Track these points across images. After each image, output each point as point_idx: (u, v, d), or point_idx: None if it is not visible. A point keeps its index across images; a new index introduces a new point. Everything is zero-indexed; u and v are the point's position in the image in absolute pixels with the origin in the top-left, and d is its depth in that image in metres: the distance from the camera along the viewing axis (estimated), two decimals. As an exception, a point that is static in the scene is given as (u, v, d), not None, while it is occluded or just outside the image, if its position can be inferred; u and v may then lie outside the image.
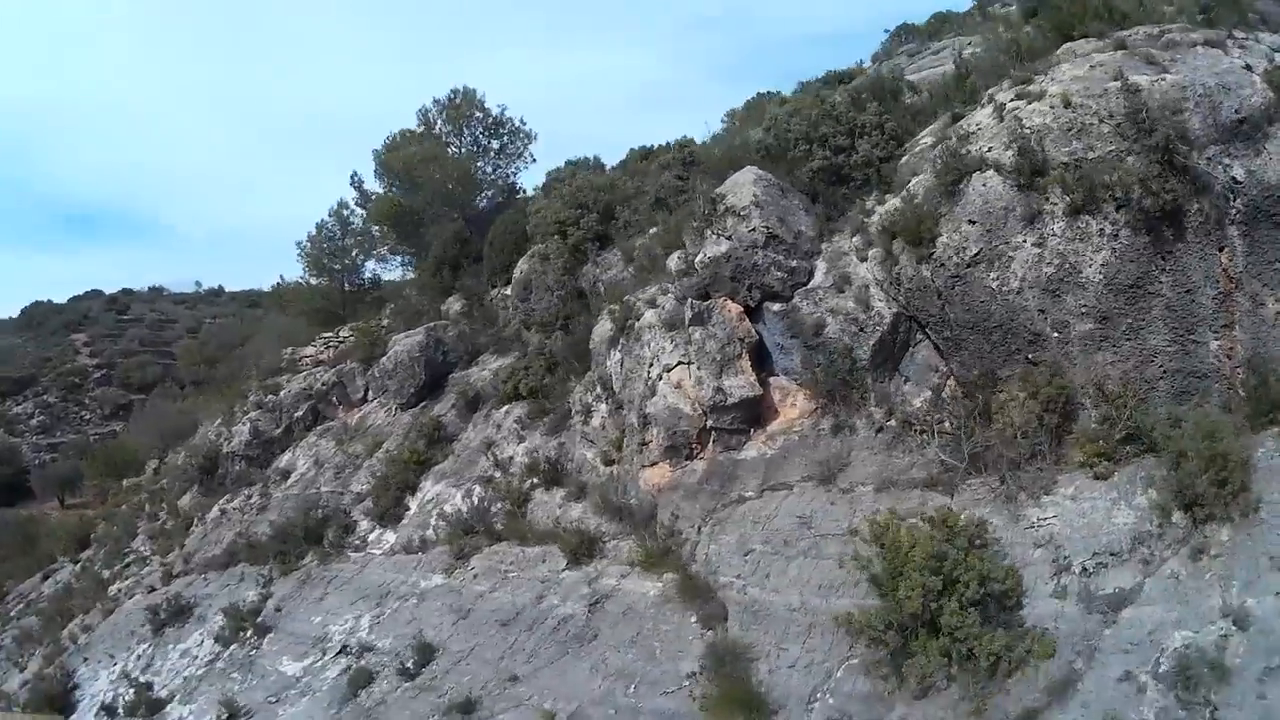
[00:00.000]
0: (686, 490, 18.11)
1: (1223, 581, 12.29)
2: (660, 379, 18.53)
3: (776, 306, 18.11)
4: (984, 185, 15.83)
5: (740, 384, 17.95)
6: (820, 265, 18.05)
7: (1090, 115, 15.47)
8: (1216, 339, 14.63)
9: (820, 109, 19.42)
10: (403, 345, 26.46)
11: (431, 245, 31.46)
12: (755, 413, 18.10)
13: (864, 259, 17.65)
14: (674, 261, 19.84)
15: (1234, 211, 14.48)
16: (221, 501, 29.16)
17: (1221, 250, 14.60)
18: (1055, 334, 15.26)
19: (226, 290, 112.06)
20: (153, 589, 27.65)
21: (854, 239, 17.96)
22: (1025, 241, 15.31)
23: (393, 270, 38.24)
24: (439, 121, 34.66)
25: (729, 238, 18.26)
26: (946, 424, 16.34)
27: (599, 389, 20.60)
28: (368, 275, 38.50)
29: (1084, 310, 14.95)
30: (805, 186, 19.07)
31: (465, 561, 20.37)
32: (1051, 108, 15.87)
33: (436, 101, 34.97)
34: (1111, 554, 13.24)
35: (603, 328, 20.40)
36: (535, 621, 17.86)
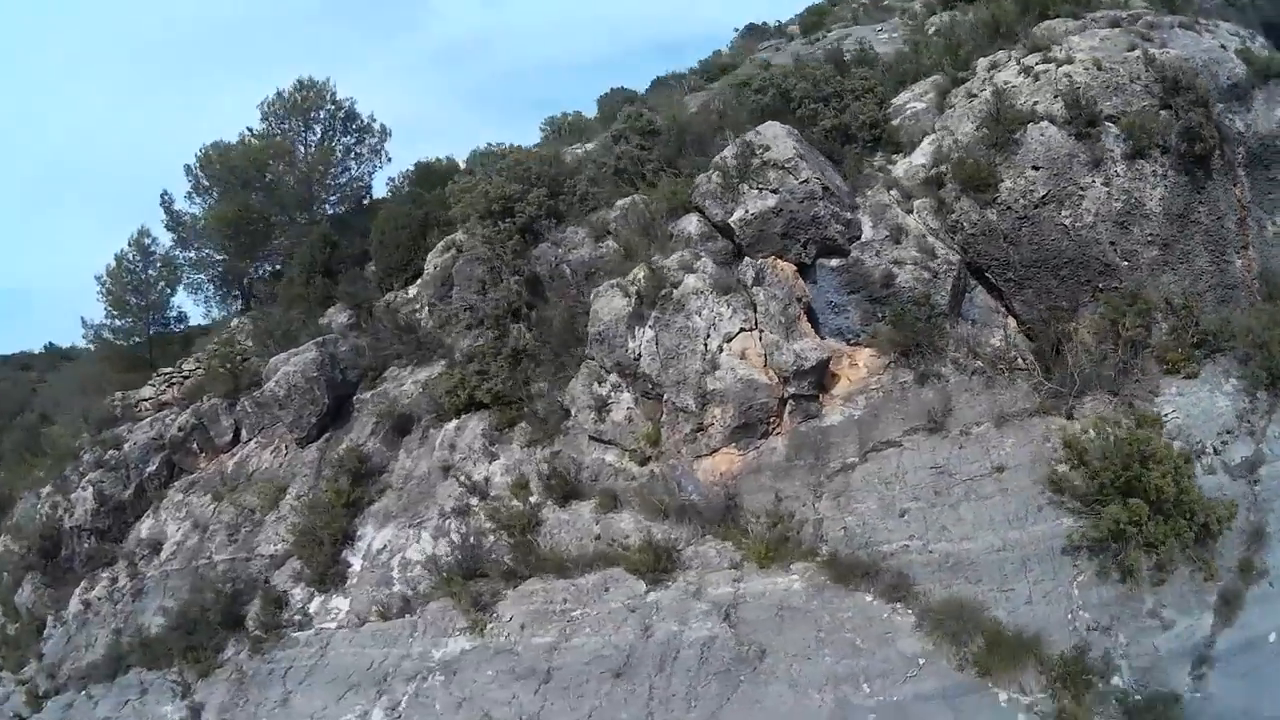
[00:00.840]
0: (775, 470, 15.91)
1: None
2: (721, 350, 16.17)
3: (834, 262, 16.79)
4: (1042, 134, 16.56)
5: (811, 346, 16.29)
6: (865, 220, 16.99)
7: (1121, 77, 16.77)
8: (1239, 257, 16.50)
9: (818, 71, 18.48)
10: (293, 366, 20.44)
11: (294, 255, 25.14)
12: (822, 378, 16.44)
13: (909, 211, 17.06)
14: (693, 225, 17.62)
15: (1240, 155, 16.41)
16: (79, 591, 21.09)
17: (1235, 186, 16.47)
18: (1125, 262, 16.28)
19: None
20: (20, 718, 19.71)
21: (891, 193, 17.20)
22: (1095, 182, 16.25)
23: (202, 301, 30.59)
24: (284, 117, 28.09)
25: (775, 191, 16.59)
26: (1019, 360, 16.43)
27: (614, 377, 17.38)
28: (173, 312, 30.17)
29: (1150, 239, 16.23)
30: (819, 146, 17.83)
31: (489, 612, 15.99)
32: (1086, 69, 16.91)
33: (280, 95, 28.55)
34: (1228, 432, 14.80)
35: (612, 304, 17.23)
36: (664, 659, 14.23)
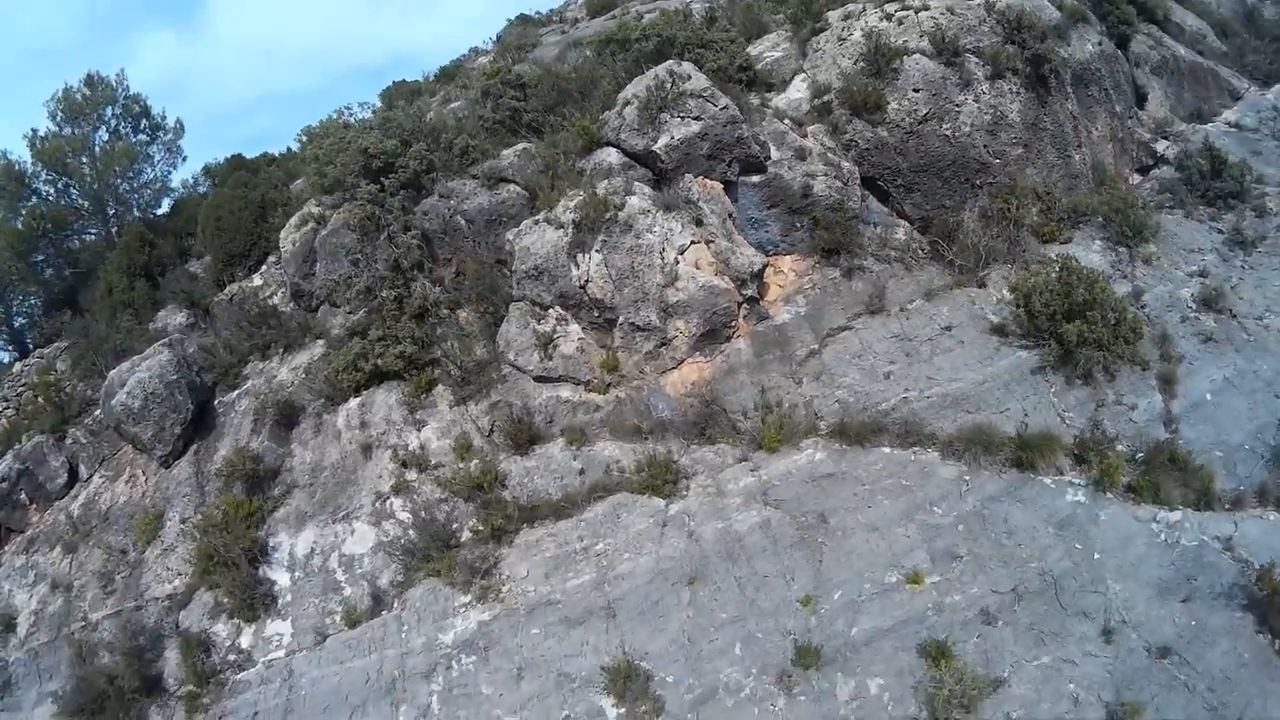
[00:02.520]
0: (748, 368, 14.70)
1: (1173, 266, 17.11)
2: (677, 262, 14.59)
3: (755, 179, 15.93)
4: (918, 64, 17.38)
5: (753, 254, 15.29)
6: (769, 143, 16.33)
7: (971, 20, 17.89)
8: (1077, 154, 18.02)
9: (687, 24, 17.80)
10: (144, 372, 15.20)
11: (110, 261, 18.72)
12: (760, 284, 15.49)
13: (804, 135, 16.78)
14: (612, 156, 15.82)
15: (1068, 77, 18.02)
16: None
17: (1067, 100, 18.04)
18: (997, 160, 17.25)
19: None
20: None
21: (784, 121, 16.83)
22: (967, 99, 17.22)
23: None
24: (76, 117, 21.11)
25: (697, 118, 15.47)
26: (920, 250, 16.70)
27: (557, 311, 14.95)
28: None
29: (1014, 141, 17.32)
30: None
31: (493, 575, 13.08)
32: (943, 14, 17.95)
33: (68, 90, 22.15)
34: (1108, 276, 16.32)
35: (545, 238, 14.90)
36: (731, 553, 12.82)
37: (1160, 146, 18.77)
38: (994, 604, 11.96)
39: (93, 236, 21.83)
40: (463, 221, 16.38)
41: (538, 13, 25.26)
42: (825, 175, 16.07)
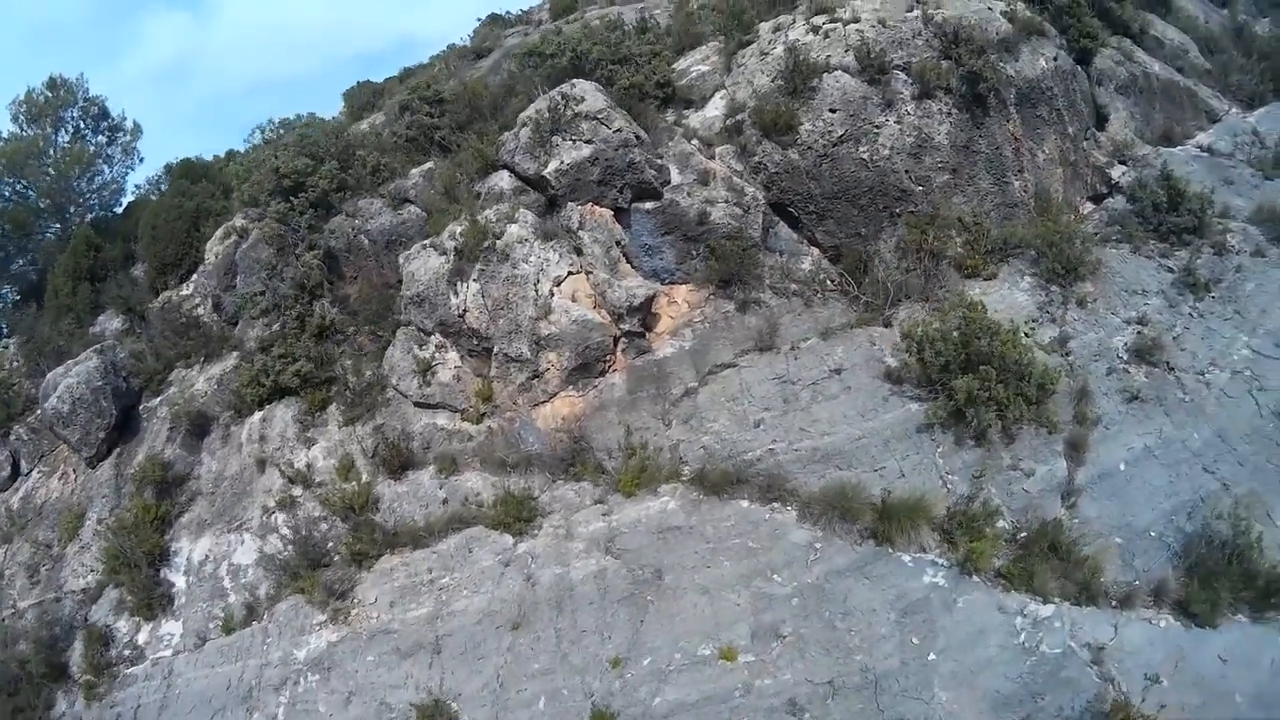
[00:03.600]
0: (619, 406, 13.58)
1: (1110, 309, 14.79)
2: (553, 295, 13.68)
3: (649, 205, 14.58)
4: (837, 82, 15.46)
5: (637, 284, 14.07)
6: (671, 166, 14.94)
7: (904, 33, 15.98)
8: (1017, 180, 15.89)
9: (611, 35, 16.53)
10: (74, 378, 15.49)
11: (57, 264, 19.30)
12: (647, 315, 14.31)
13: (711, 157, 15.27)
14: (504, 181, 14.84)
15: (1012, 95, 15.87)
16: None
17: (1009, 122, 15.86)
18: (919, 187, 15.26)
19: None
20: None
21: (692, 142, 15.35)
22: (889, 120, 15.29)
23: None
24: (38, 118, 22.25)
25: (589, 141, 14.27)
26: (828, 282, 15.19)
27: (437, 338, 14.29)
28: None
29: (940, 166, 15.36)
30: (619, 103, 15.38)
31: (348, 599, 12.70)
32: (873, 26, 16.01)
33: (30, 92, 22.74)
34: (1033, 319, 14.50)
35: (429, 264, 14.20)
36: (560, 602, 11.89)
37: (1116, 173, 16.34)
38: (805, 695, 10.63)
39: (55, 236, 21.98)
40: (366, 241, 15.70)
41: (508, 13, 24.26)
42: (725, 202, 14.61)
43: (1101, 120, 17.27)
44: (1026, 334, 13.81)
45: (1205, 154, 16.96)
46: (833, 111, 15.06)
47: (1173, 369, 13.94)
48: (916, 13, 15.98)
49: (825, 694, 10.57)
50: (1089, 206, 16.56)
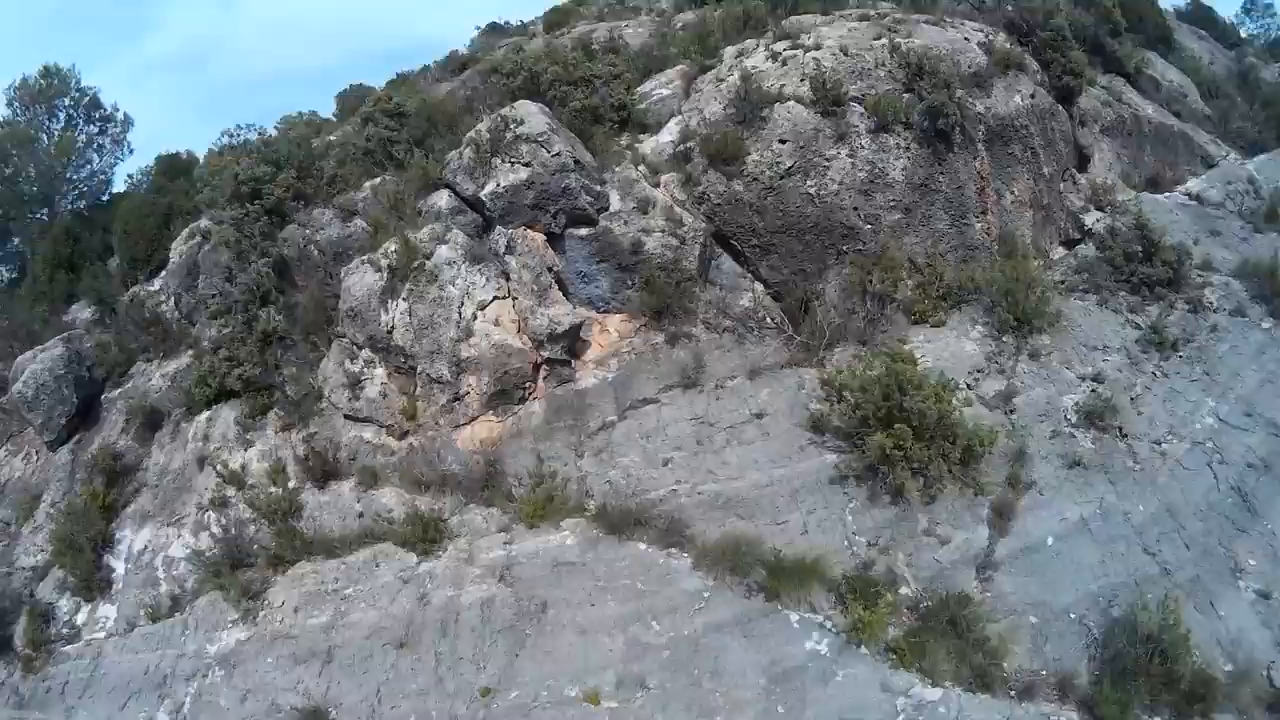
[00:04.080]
0: (535, 434, 13.24)
1: (1066, 365, 13.82)
2: (475, 318, 13.38)
3: (583, 231, 14.07)
4: (789, 112, 14.63)
5: (564, 311, 13.60)
6: (613, 193, 14.38)
7: (867, 62, 15.14)
8: (979, 221, 14.94)
9: (569, 56, 16.14)
10: (40, 364, 16.11)
11: (36, 250, 20.39)
12: (573, 343, 13.92)
13: (656, 185, 14.66)
14: (444, 200, 14.55)
15: (981, 132, 14.95)
16: None
17: (975, 159, 14.92)
18: (868, 225, 14.36)
19: None
20: None
21: (640, 168, 14.75)
22: (840, 153, 14.42)
23: None
24: (31, 106, 22.99)
25: (527, 164, 13.79)
26: (768, 320, 14.58)
27: (367, 353, 14.13)
28: None
29: (892, 204, 14.47)
30: (570, 125, 15.10)
31: (260, 600, 12.87)
32: (834, 55, 15.18)
33: (25, 80, 23.41)
34: (978, 370, 13.62)
35: (364, 280, 14.06)
36: (445, 624, 11.71)
37: (1090, 219, 15.35)
38: None
39: (44, 220, 22.55)
40: (315, 252, 15.56)
41: (507, 22, 23.95)
42: (661, 231, 14.01)
43: (1084, 162, 16.10)
44: (969, 386, 13.07)
45: (1193, 202, 15.68)
46: (782, 143, 14.28)
47: (1125, 435, 12.86)
48: (883, 41, 15.08)
49: None
50: (1060, 252, 15.49)
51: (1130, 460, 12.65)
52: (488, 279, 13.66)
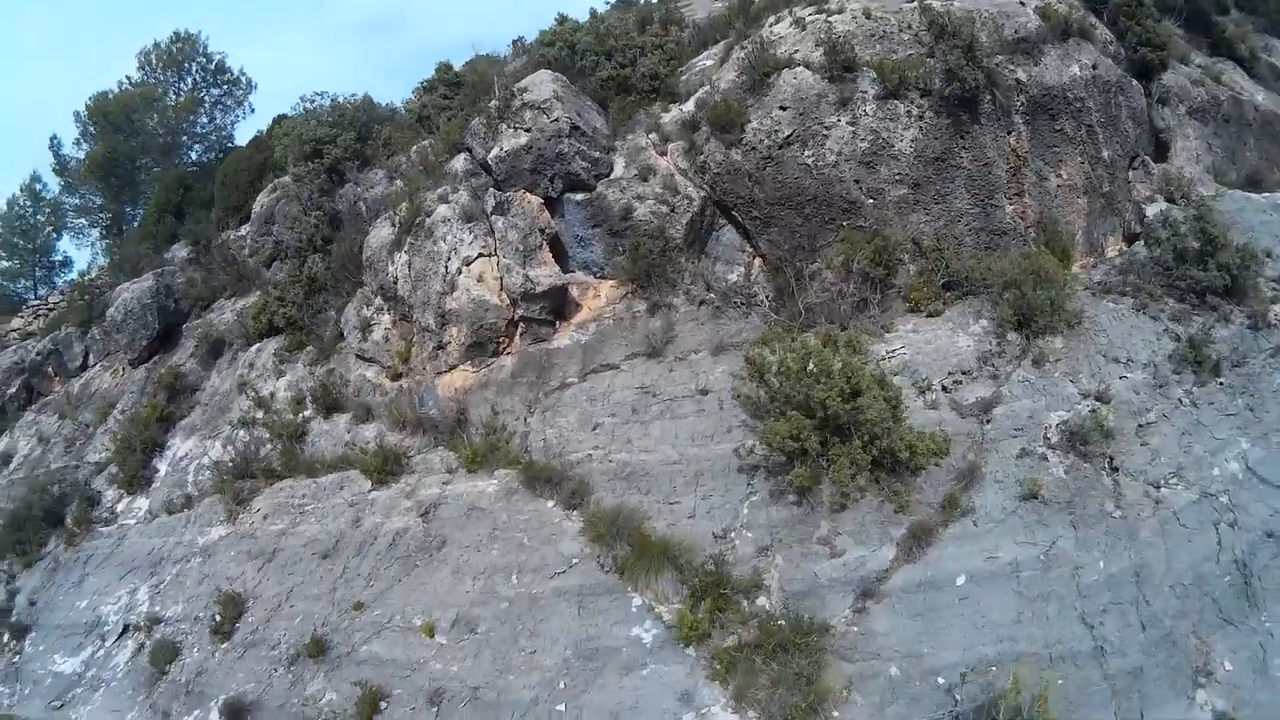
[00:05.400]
0: (499, 386, 13.60)
1: (1071, 377, 11.63)
2: (460, 273, 13.78)
3: (579, 196, 14.22)
4: (795, 78, 13.75)
5: (547, 273, 13.81)
6: (619, 160, 14.43)
7: (890, 25, 13.99)
8: (1011, 204, 13.32)
9: (604, 26, 16.39)
10: (131, 293, 18.78)
11: (151, 196, 23.64)
12: (559, 304, 14.05)
13: (663, 153, 14.41)
14: (459, 163, 15.25)
15: (1019, 104, 13.34)
16: None
17: (1009, 134, 13.34)
18: (870, 200, 13.21)
19: None
20: None
21: (650, 136, 14.57)
22: (840, 121, 13.35)
23: (85, 246, 29.02)
24: (159, 67, 26.25)
25: (528, 130, 14.10)
26: (761, 296, 13.89)
27: (379, 301, 15.15)
28: (59, 256, 28.81)
29: (898, 178, 13.19)
30: (594, 95, 15.39)
31: (246, 506, 14.30)
32: (854, 18, 14.18)
33: (157, 45, 26.64)
34: (964, 372, 11.89)
35: (380, 234, 15.11)
36: (363, 545, 12.54)
37: (1152, 210, 13.14)
38: (451, 690, 10.30)
39: (168, 171, 25.15)
40: (363, 208, 16.80)
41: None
42: (654, 199, 13.81)
43: (1163, 150, 13.82)
44: (945, 388, 11.59)
45: (1294, 204, 12.96)
46: (782, 109, 13.51)
47: (1115, 468, 10.48)
48: (915, 3, 13.77)
49: (466, 697, 10.21)
50: (1120, 248, 13.42)
51: (1110, 502, 10.26)
52: (475, 237, 14.04)
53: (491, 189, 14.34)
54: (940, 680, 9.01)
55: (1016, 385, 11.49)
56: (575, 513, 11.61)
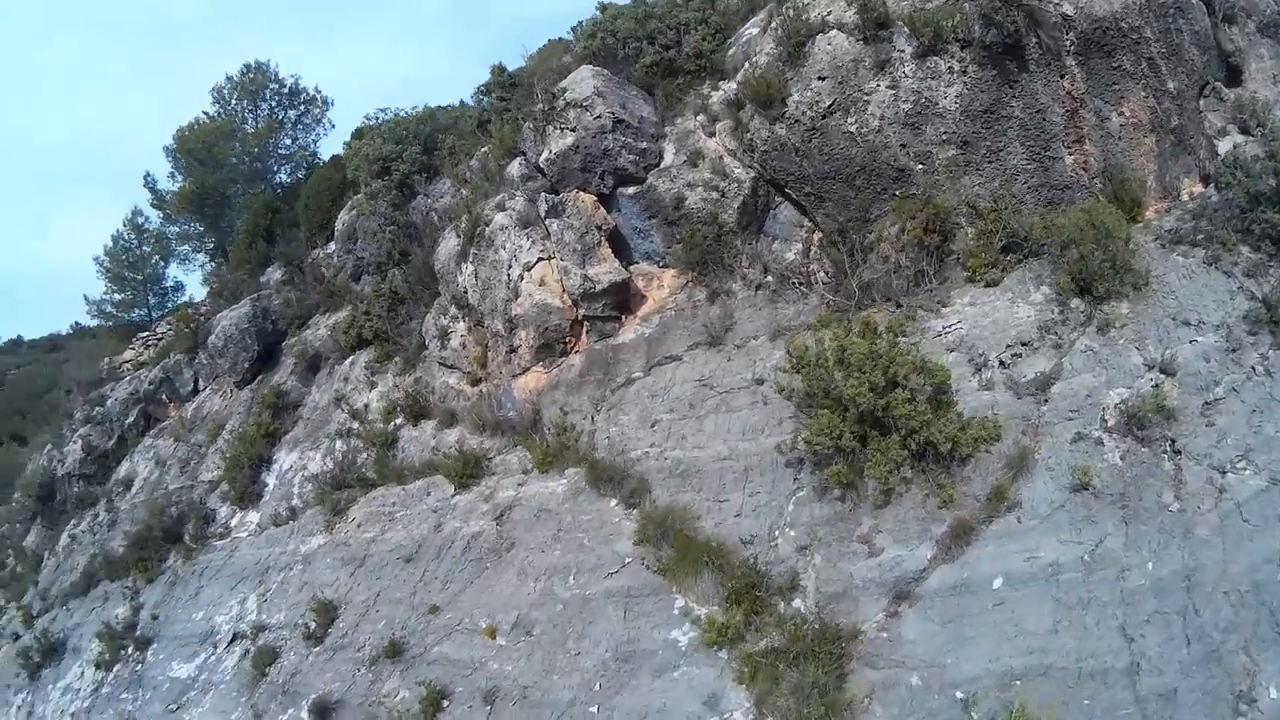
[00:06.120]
0: (568, 386, 14.15)
1: (1137, 344, 10.53)
2: (522, 279, 14.37)
3: (631, 190, 14.49)
4: (829, 44, 13.22)
5: (606, 270, 14.16)
6: (669, 147, 14.62)
7: None
8: (1071, 154, 12.56)
9: (643, 9, 16.31)
10: (229, 320, 20.40)
11: (240, 222, 25.26)
12: (624, 299, 14.41)
13: (712, 135, 14.44)
14: (516, 168, 15.73)
15: (1069, 43, 12.42)
16: (69, 528, 21.88)
17: (1063, 77, 12.49)
18: (920, 165, 12.79)
19: (25, 339, 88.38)
20: (17, 636, 20.57)
21: (698, 118, 14.65)
22: (879, 85, 12.83)
23: (194, 270, 30.90)
24: (233, 98, 27.93)
25: (573, 129, 14.43)
26: (821, 273, 13.76)
27: (453, 309, 16.00)
28: (169, 283, 30.73)
29: (945, 138, 12.63)
30: (640, 82, 15.50)
31: (344, 515, 15.49)
32: None
33: (229, 79, 28.24)
34: (1023, 344, 11.06)
35: (448, 245, 15.86)
36: (442, 549, 13.47)
37: (1224, 145, 12.20)
38: (504, 690, 10.97)
39: (256, 195, 26.42)
40: (435, 219, 17.39)
41: None
42: (704, 185, 13.90)
43: (1235, 74, 12.85)
44: (1003, 363, 10.84)
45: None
46: (821, 79, 13.14)
47: (1178, 452, 9.26)
48: (949, -51, 13.06)
49: (516, 696, 10.89)
50: (1197, 190, 12.60)
51: (1168, 492, 9.09)
52: (533, 242, 14.52)
53: (544, 193, 14.67)
54: (959, 694, 8.56)
55: (1078, 357, 10.53)
56: (635, 511, 12.01)
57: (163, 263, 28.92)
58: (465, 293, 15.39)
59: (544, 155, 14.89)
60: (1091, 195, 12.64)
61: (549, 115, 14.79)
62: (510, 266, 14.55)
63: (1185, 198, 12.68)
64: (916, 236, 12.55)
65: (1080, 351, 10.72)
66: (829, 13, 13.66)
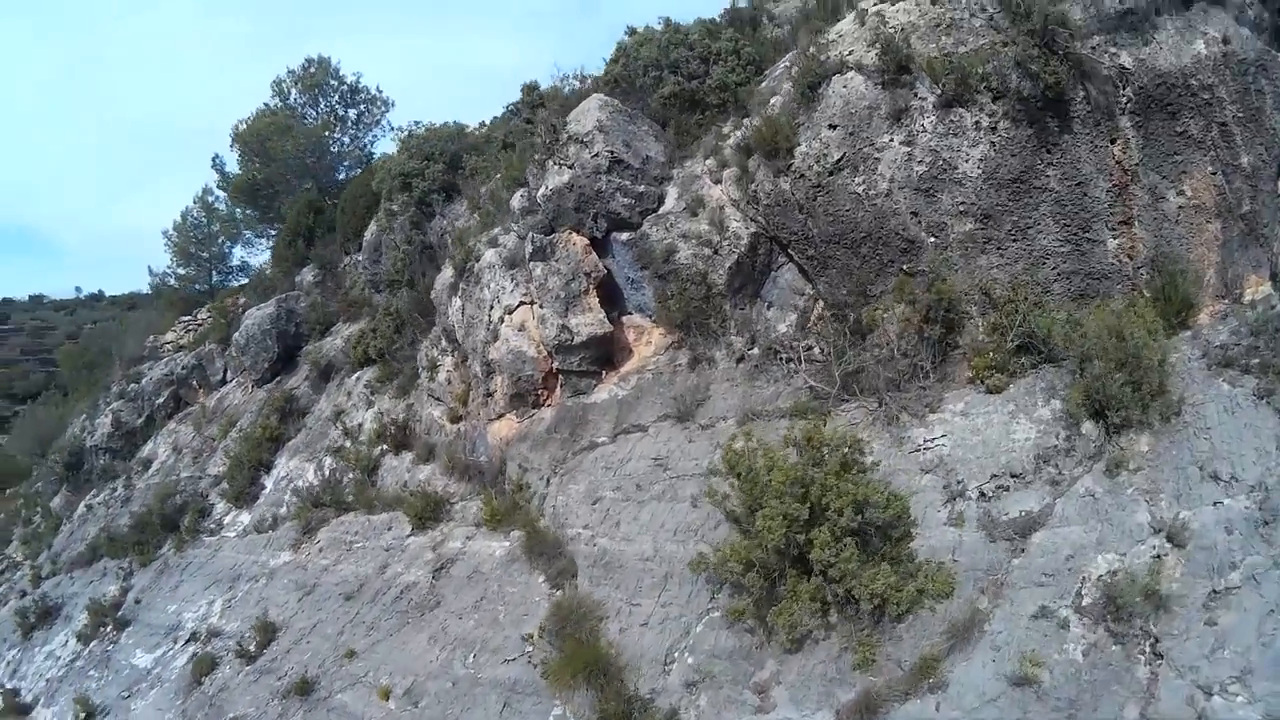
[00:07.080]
0: (535, 440, 13.27)
1: (1148, 496, 8.49)
2: (502, 322, 13.65)
3: (625, 236, 13.39)
4: (844, 87, 11.64)
5: (588, 321, 13.14)
6: (671, 190, 13.42)
7: (960, 10, 11.39)
8: (1115, 236, 10.67)
9: (671, 36, 15.06)
10: (254, 319, 20.59)
11: (286, 218, 25.56)
12: (606, 353, 13.37)
13: (718, 181, 13.08)
14: (517, 200, 14.83)
15: (1124, 100, 10.54)
16: (88, 498, 22.87)
17: (1114, 142, 10.63)
18: (931, 239, 11.09)
19: (106, 295, 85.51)
20: (24, 593, 21.78)
21: (707, 161, 13.33)
22: (892, 140, 11.17)
23: (259, 254, 30.91)
24: (293, 92, 28.03)
25: (571, 166, 13.43)
26: (816, 350, 12.09)
27: (444, 341, 15.50)
28: (235, 262, 31.46)
29: (962, 209, 10.90)
30: (657, 114, 14.35)
31: (312, 536, 15.41)
32: (917, 4, 11.72)
33: (291, 72, 28.28)
34: (1013, 475, 9.20)
35: (444, 276, 15.39)
36: (379, 592, 13.13)
37: None
38: None
39: (308, 192, 26.00)
40: (450, 241, 16.69)
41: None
42: (697, 239, 12.59)
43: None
44: (984, 494, 9.01)
45: None
46: (831, 128, 11.64)
47: (1158, 655, 7.21)
48: (993, -19, 11.23)
49: None
50: (1264, 290, 10.37)
51: (1133, 708, 7.00)
52: (516, 284, 13.75)
53: (533, 232, 13.72)
54: None
55: (1074, 501, 8.66)
56: (559, 594, 11.00)
57: (229, 243, 29.98)
58: (454, 327, 14.72)
59: (541, 190, 13.97)
60: (1134, 289, 10.73)
61: (550, 148, 13.82)
62: (492, 307, 13.82)
63: (1247, 299, 10.54)
64: (916, 325, 10.94)
65: (1079, 495, 8.81)
66: (850, 52, 12.06)
